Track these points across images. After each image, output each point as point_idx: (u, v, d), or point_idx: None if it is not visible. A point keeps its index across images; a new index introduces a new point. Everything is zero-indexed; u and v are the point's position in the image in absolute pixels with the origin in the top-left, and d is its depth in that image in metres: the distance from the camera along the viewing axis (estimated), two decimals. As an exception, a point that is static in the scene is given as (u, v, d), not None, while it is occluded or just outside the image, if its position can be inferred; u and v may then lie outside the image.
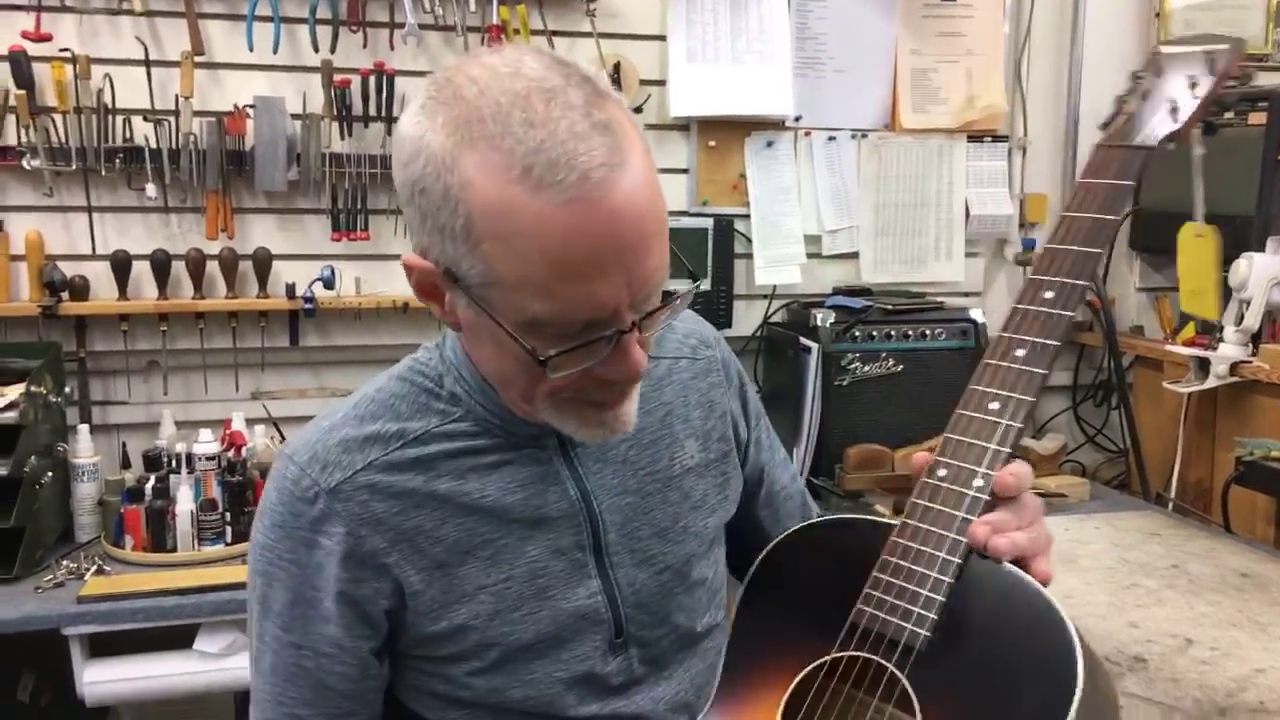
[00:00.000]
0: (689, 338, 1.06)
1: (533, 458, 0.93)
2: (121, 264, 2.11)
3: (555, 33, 2.30)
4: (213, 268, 2.17)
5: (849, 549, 0.86)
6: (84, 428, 2.05)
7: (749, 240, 2.46)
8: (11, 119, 2.05)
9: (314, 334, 2.28)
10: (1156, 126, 0.91)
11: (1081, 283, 0.86)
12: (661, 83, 2.39)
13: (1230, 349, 2.13)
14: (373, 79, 2.20)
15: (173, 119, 2.12)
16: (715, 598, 1.04)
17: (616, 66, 2.34)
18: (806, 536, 0.93)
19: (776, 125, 2.47)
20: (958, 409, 0.85)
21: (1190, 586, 1.68)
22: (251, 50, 2.14)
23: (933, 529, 0.81)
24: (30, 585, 1.83)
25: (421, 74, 2.23)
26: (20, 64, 2.03)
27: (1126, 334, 2.65)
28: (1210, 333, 2.23)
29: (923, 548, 0.80)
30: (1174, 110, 0.91)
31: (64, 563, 1.90)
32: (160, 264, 2.13)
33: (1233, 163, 2.33)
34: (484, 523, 0.90)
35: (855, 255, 2.55)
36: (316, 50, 2.18)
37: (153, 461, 1.99)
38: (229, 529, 1.96)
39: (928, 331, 2.29)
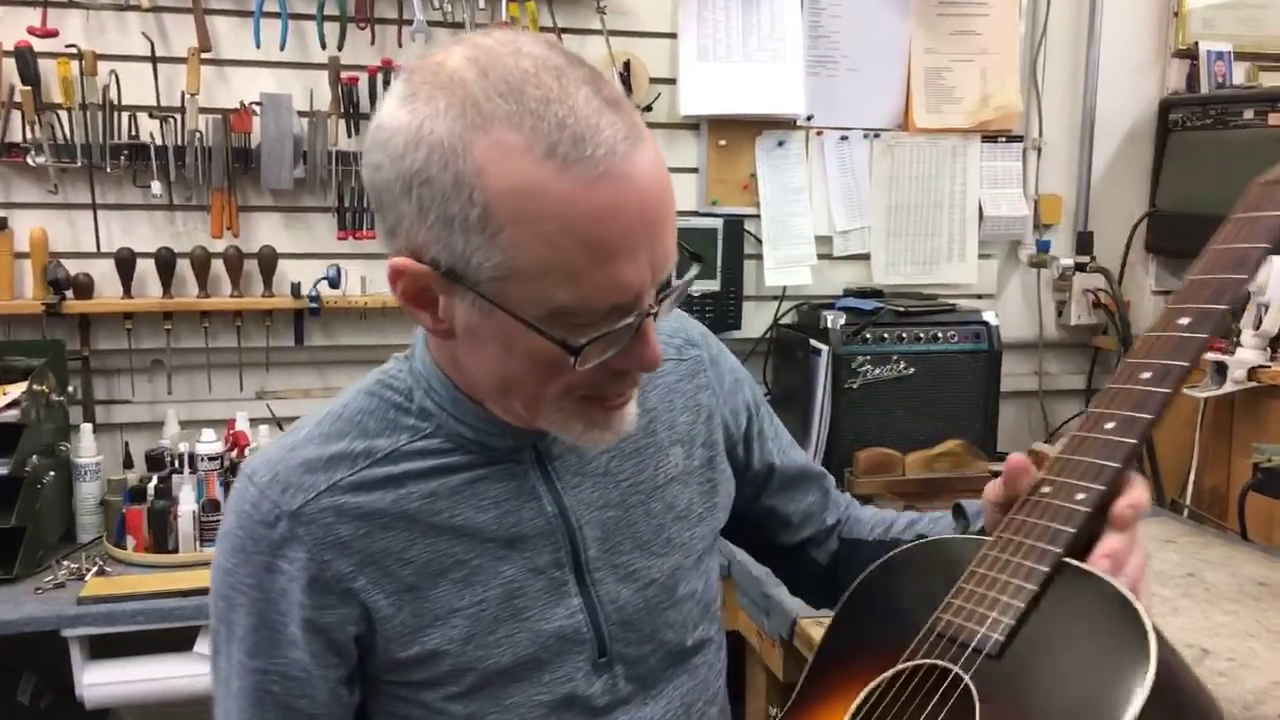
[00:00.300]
0: (674, 336, 1.01)
1: (508, 473, 0.88)
2: (126, 262, 2.10)
3: (564, 30, 2.28)
4: (218, 266, 2.15)
5: (950, 564, 0.83)
6: (87, 427, 2.04)
7: (759, 241, 2.44)
8: (17, 115, 2.04)
9: (319, 333, 2.26)
10: None
11: (1221, 306, 0.83)
12: (672, 81, 2.37)
13: (1248, 353, 2.10)
14: (380, 76, 2.18)
15: (179, 116, 2.11)
16: (707, 611, 1.00)
17: (626, 64, 2.32)
18: (913, 552, 0.90)
19: (788, 124, 2.44)
20: (1072, 431, 0.84)
21: (1207, 595, 1.65)
22: (258, 47, 2.13)
23: (1025, 540, 0.79)
24: (31, 586, 1.82)
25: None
26: (26, 60, 2.02)
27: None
28: (1227, 337, 2.20)
29: (1011, 558, 0.78)
30: None
31: (65, 563, 1.89)
32: (165, 262, 2.11)
33: (1250, 163, 2.29)
34: (456, 543, 0.86)
35: (867, 256, 2.53)
36: (324, 47, 2.16)
37: (155, 461, 1.98)
38: (232, 530, 1.94)
39: (940, 334, 2.26)
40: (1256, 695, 1.33)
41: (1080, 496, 0.79)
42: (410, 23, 2.18)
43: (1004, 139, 2.56)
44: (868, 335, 2.23)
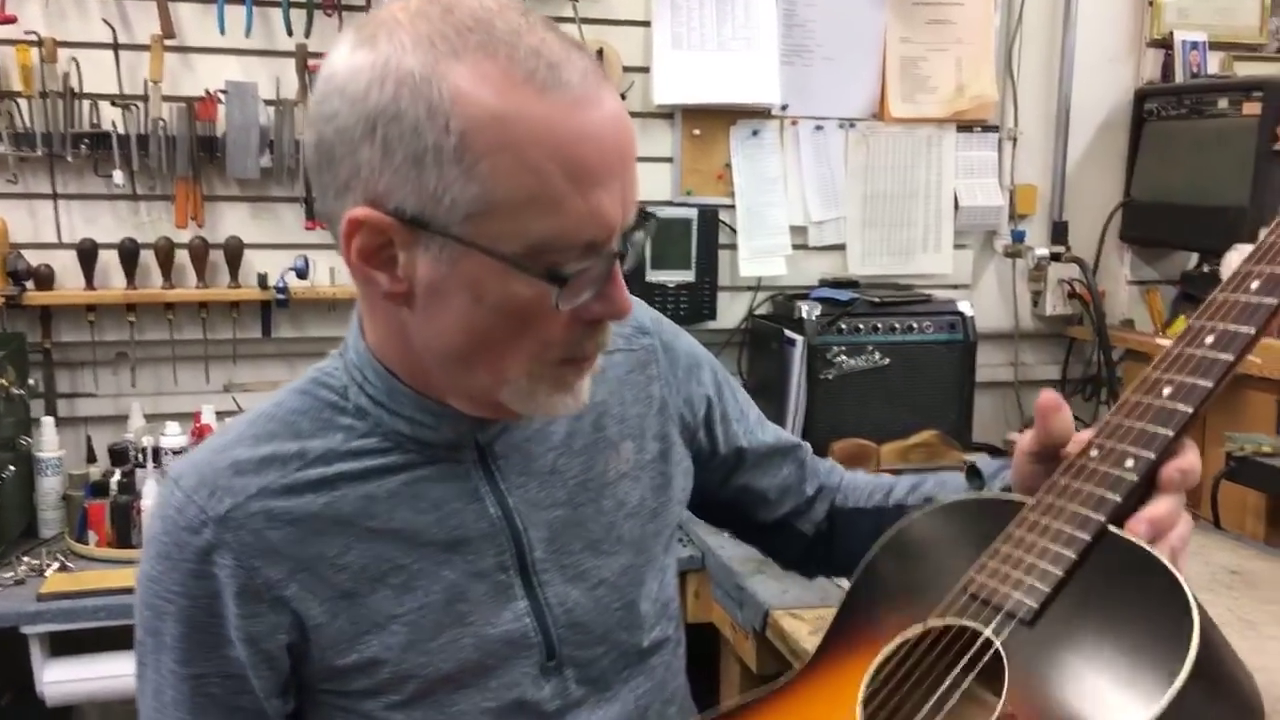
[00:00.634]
0: (624, 324, 0.95)
1: (449, 473, 0.84)
2: (88, 253, 2.06)
3: (535, 18, 2.25)
4: (182, 257, 2.11)
5: (984, 525, 0.80)
6: (49, 420, 2.00)
7: (734, 231, 2.42)
8: (-26, 103, 2.00)
9: (287, 325, 2.23)
10: None
11: None
12: (645, 70, 2.34)
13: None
14: (348, 64, 2.15)
15: (141, 104, 2.07)
16: (665, 610, 0.97)
17: (600, 53, 2.29)
18: (943, 511, 0.87)
19: (762, 114, 2.42)
20: (1125, 393, 0.80)
21: (1180, 585, 1.65)
22: (223, 33, 2.09)
23: (1068, 505, 0.75)
24: (-10, 582, 1.78)
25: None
26: (-17, 46, 1.98)
27: (1117, 327, 2.61)
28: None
29: (1052, 523, 0.75)
30: None
31: (25, 559, 1.85)
32: (128, 253, 2.08)
33: (1226, 153, 2.29)
34: (394, 547, 0.82)
35: (842, 247, 2.51)
36: (290, 34, 2.13)
37: (119, 455, 1.95)
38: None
39: (915, 324, 2.25)
40: (1228, 684, 1.32)
41: (1130, 463, 0.75)
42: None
43: (979, 129, 2.55)
44: (843, 326, 2.21)
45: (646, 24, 2.33)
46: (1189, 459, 0.75)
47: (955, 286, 2.56)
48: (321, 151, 0.75)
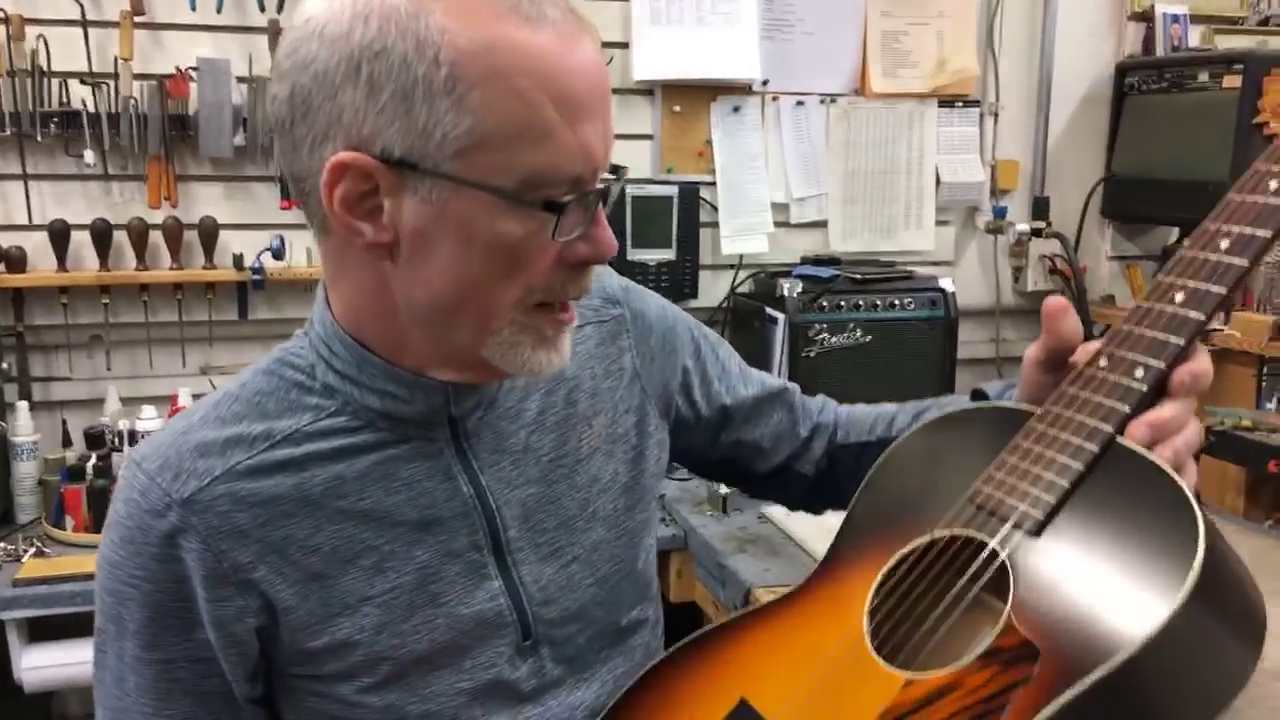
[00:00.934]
0: (593, 296, 0.94)
1: (421, 452, 0.83)
2: (60, 234, 2.02)
3: (513, -7, 2.22)
4: (156, 238, 2.08)
5: (991, 436, 0.79)
6: (23, 405, 1.97)
7: (715, 208, 2.40)
8: (-60, 82, 1.96)
9: (264, 306, 2.20)
10: None
11: None
12: (624, 45, 2.32)
13: (1202, 317, 2.10)
14: (322, 40, 2.12)
15: (112, 82, 2.03)
16: (645, 590, 0.96)
17: (577, 28, 2.26)
18: (950, 422, 0.85)
19: (743, 90, 2.40)
20: (1137, 300, 0.78)
21: (1160, 559, 1.65)
22: (194, 10, 2.06)
23: (1075, 415, 0.74)
24: (-35, 568, 1.76)
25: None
26: (-52, 24, 1.94)
27: (1098, 303, 2.62)
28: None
29: (1059, 433, 0.74)
30: None
31: (1, 545, 1.83)
32: (101, 234, 2.04)
33: (1206, 127, 2.28)
34: (365, 528, 0.81)
35: (824, 224, 2.50)
36: (263, 10, 2.09)
37: (94, 439, 1.93)
38: (175, 508, 1.89)
39: (896, 301, 2.24)
40: (1207, 658, 1.33)
41: (1139, 373, 0.73)
42: (353, -15, 2.11)
43: (961, 104, 2.54)
44: (824, 303, 2.21)
45: (625, -1, 2.31)
46: (1201, 363, 0.74)
47: (937, 263, 2.56)
48: (295, 103, 0.73)
